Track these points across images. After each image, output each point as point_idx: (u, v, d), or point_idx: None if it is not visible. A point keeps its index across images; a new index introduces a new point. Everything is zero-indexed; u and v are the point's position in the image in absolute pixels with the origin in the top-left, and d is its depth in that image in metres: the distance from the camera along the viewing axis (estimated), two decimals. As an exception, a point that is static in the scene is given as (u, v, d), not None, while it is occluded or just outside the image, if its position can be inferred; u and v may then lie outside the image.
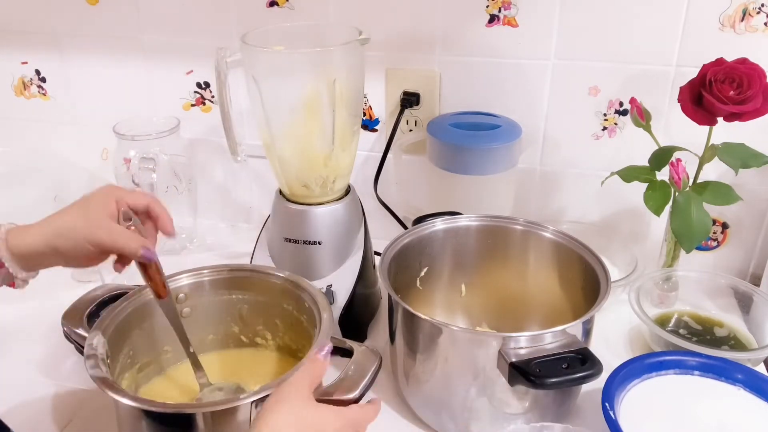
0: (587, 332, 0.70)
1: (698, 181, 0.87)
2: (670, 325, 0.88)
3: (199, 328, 0.79)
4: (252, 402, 0.59)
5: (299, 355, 0.77)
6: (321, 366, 0.59)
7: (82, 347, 0.67)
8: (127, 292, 0.74)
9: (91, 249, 0.63)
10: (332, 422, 0.56)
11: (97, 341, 0.67)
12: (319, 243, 0.84)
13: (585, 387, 0.73)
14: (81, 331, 0.71)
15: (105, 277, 0.96)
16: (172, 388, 0.76)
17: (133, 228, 0.66)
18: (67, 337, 0.85)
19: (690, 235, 0.83)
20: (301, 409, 0.55)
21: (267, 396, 0.59)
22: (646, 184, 0.86)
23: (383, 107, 1.05)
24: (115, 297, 0.74)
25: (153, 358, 0.76)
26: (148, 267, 0.68)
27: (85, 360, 0.64)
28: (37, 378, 0.83)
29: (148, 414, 0.61)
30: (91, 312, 0.73)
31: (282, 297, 0.77)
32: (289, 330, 0.78)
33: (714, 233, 1.01)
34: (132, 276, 0.96)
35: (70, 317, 0.73)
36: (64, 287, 0.99)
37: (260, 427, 0.53)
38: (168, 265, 0.80)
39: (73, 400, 0.79)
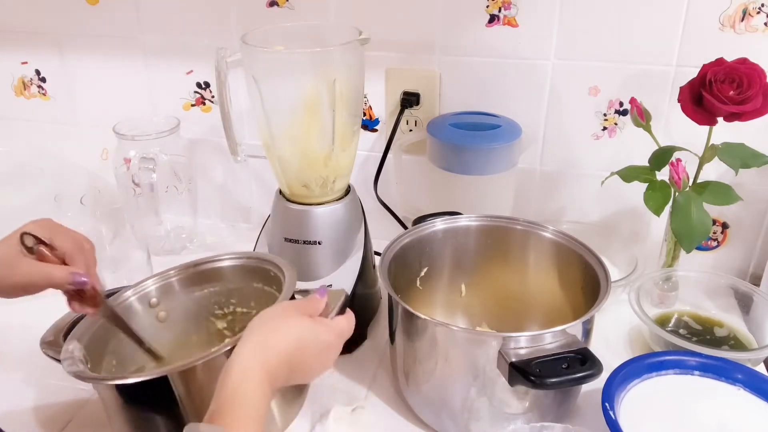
0: (587, 332, 0.70)
1: (698, 181, 0.87)
2: (670, 325, 0.88)
3: (179, 331, 0.79)
4: (224, 353, 0.60)
5: None
6: (319, 302, 0.63)
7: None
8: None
9: (21, 292, 0.63)
10: (324, 333, 0.60)
11: (73, 347, 0.67)
12: (319, 243, 0.84)
13: (585, 387, 0.73)
14: (59, 351, 0.69)
15: (104, 278, 0.96)
16: None
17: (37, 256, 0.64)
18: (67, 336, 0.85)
19: (690, 235, 0.83)
20: (293, 323, 0.58)
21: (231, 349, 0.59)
22: (646, 184, 0.86)
23: (383, 107, 1.05)
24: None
25: (140, 363, 0.75)
26: (85, 291, 0.66)
27: (62, 362, 0.65)
28: (36, 378, 0.83)
29: (127, 389, 0.62)
30: (66, 333, 0.73)
31: (249, 277, 0.78)
32: (265, 308, 0.78)
33: (714, 233, 1.01)
34: (141, 265, 0.96)
35: (48, 342, 0.72)
36: (64, 287, 0.99)
37: (248, 337, 0.55)
38: (168, 265, 0.81)
39: (73, 400, 0.79)
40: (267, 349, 0.55)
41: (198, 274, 0.79)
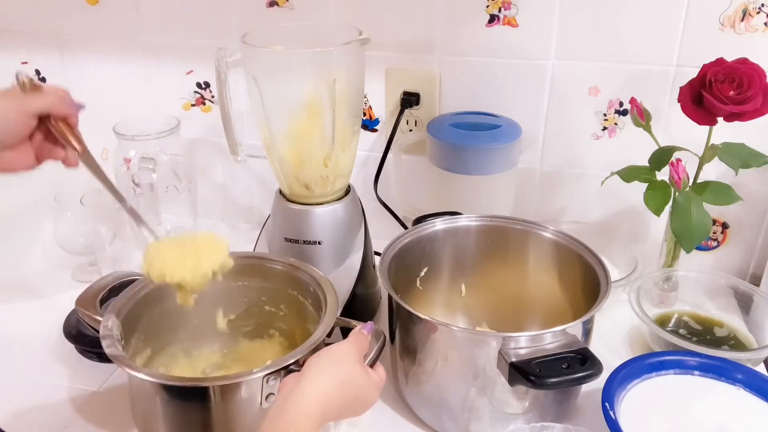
0: (587, 332, 0.70)
1: (698, 181, 0.87)
2: (670, 325, 0.88)
3: (204, 315, 0.81)
4: (263, 376, 0.62)
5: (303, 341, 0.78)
6: (366, 340, 0.66)
7: (97, 330, 0.69)
8: (136, 279, 0.77)
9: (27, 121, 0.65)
10: (372, 391, 0.63)
11: (111, 323, 0.69)
12: (319, 243, 0.84)
13: (585, 387, 0.73)
14: (94, 315, 0.73)
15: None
16: (180, 369, 0.79)
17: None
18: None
19: (690, 235, 0.83)
20: (354, 374, 0.61)
21: (277, 371, 0.62)
22: (646, 184, 0.86)
23: (383, 107, 1.05)
24: (126, 284, 0.76)
25: (163, 343, 0.78)
26: (69, 119, 0.68)
27: (101, 339, 0.67)
28: (37, 378, 0.83)
29: (165, 388, 0.64)
30: (103, 297, 0.76)
31: (287, 283, 0.79)
32: (294, 315, 0.80)
33: (714, 233, 1.01)
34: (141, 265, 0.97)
35: (84, 302, 0.75)
36: (63, 288, 1.00)
37: (312, 380, 0.58)
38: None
39: (73, 401, 0.79)
40: (329, 400, 0.58)
41: (237, 267, 0.79)
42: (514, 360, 0.62)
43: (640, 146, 0.90)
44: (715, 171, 0.88)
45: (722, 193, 0.85)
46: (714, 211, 0.91)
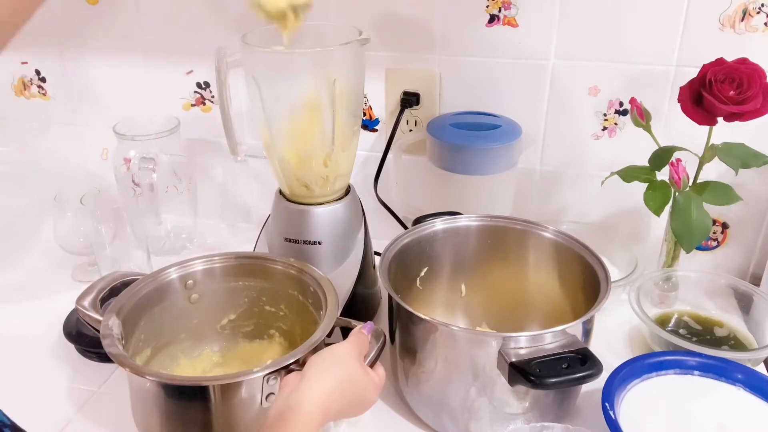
0: (587, 332, 0.70)
1: (698, 181, 0.87)
2: (670, 325, 0.88)
3: (205, 315, 0.81)
4: (264, 376, 0.62)
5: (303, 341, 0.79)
6: (366, 340, 0.67)
7: (97, 330, 0.69)
8: (136, 279, 0.77)
9: None
10: (372, 391, 0.64)
11: (112, 322, 0.69)
12: (319, 243, 0.84)
13: (585, 387, 0.73)
14: (94, 314, 0.73)
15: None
16: (180, 369, 0.79)
17: None
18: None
19: (690, 235, 0.83)
20: (355, 374, 0.62)
21: (277, 370, 0.62)
22: (646, 184, 0.86)
23: (383, 107, 1.05)
24: (126, 284, 0.76)
25: (163, 343, 0.78)
26: None
27: (102, 339, 0.67)
28: (37, 378, 0.83)
29: (165, 387, 0.64)
30: (103, 297, 0.76)
31: (287, 283, 0.79)
32: (294, 315, 0.80)
33: (714, 233, 1.01)
34: (141, 265, 0.97)
35: (84, 302, 0.75)
36: (63, 287, 1.00)
37: (313, 377, 0.59)
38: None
39: (73, 401, 0.79)
40: (330, 400, 0.58)
41: (238, 267, 0.81)
42: (514, 360, 0.62)
43: (640, 146, 0.90)
44: (715, 171, 0.88)
45: (722, 193, 0.85)
46: (714, 211, 0.91)
